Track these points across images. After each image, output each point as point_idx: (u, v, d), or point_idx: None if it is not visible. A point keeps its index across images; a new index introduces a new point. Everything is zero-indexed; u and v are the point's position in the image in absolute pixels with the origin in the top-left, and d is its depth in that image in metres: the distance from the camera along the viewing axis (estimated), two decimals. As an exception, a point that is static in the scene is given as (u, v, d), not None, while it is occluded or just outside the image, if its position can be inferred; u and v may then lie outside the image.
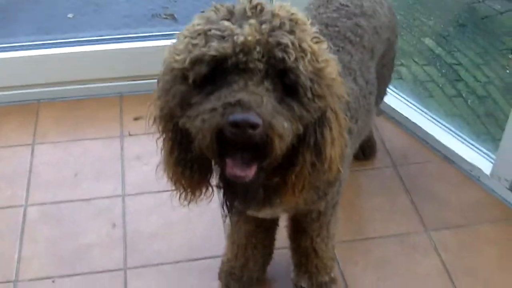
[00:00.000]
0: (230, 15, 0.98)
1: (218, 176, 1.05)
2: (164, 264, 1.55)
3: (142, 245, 1.60)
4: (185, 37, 0.99)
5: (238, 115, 0.90)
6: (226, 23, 0.96)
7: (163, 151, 1.07)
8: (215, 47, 0.94)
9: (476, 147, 1.84)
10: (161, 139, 1.06)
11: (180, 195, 1.10)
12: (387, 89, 1.70)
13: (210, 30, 0.96)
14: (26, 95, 2.04)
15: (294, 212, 1.38)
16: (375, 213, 1.70)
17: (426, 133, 1.89)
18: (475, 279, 1.52)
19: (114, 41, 2.11)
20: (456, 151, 1.83)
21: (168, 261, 1.56)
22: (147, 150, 1.84)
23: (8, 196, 1.73)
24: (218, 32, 0.95)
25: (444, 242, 1.62)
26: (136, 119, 1.97)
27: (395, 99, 2.00)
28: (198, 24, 0.99)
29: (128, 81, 2.07)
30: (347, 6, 1.45)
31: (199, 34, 0.97)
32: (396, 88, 2.03)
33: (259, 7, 0.99)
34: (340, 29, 1.39)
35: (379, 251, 1.59)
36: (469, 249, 1.60)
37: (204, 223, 1.65)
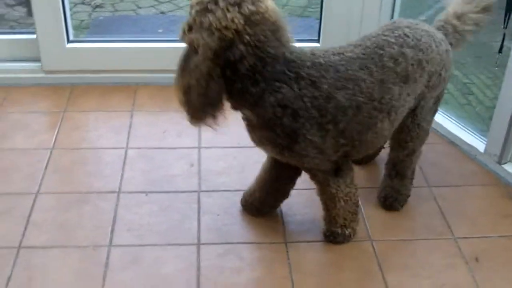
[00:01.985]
0: None
1: None
2: (226, 191, 2.08)
3: (211, 178, 2.13)
4: None
5: None
6: None
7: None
8: None
9: (475, 133, 2.33)
10: None
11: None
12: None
13: None
14: (128, 78, 2.64)
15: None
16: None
17: (438, 123, 2.40)
18: (464, 218, 2.01)
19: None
20: (460, 136, 2.33)
21: (229, 189, 2.08)
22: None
23: (114, 141, 2.30)
24: None
25: (442, 195, 2.10)
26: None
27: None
28: None
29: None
30: (407, 36, 1.73)
31: None
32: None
33: None
34: (384, 53, 1.68)
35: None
36: (462, 200, 2.09)
37: (251, 172, 2.17)
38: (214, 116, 1.61)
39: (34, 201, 2.01)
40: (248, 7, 1.50)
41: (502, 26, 2.10)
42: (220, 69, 1.52)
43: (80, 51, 2.61)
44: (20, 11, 3.28)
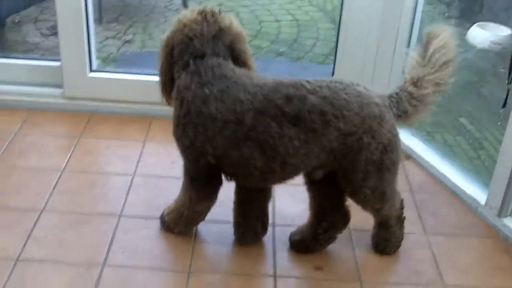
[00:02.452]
0: None
1: None
2: (223, 222, 2.13)
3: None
4: None
5: None
6: None
7: None
8: None
9: (478, 186, 2.34)
10: None
11: None
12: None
13: None
14: (144, 110, 2.73)
15: None
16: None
17: (442, 174, 2.42)
18: (456, 267, 2.00)
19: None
20: (463, 188, 2.34)
21: (226, 220, 2.13)
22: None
23: (122, 168, 2.38)
24: None
25: (438, 243, 2.11)
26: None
27: (425, 151, 2.55)
28: None
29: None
30: (328, 89, 1.74)
31: None
32: (426, 145, 2.58)
33: None
34: (282, 91, 1.73)
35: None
36: (457, 250, 2.09)
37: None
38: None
39: (38, 217, 2.09)
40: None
41: (507, 82, 2.13)
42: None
43: (101, 81, 2.72)
44: (54, 41, 3.43)
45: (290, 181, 1.90)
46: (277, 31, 3.80)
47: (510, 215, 2.18)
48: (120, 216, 2.12)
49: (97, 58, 3.20)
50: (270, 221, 2.13)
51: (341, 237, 2.06)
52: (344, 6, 2.55)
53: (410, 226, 2.18)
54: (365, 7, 2.51)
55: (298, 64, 3.49)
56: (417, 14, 2.53)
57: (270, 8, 4.10)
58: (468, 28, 3.44)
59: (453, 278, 1.96)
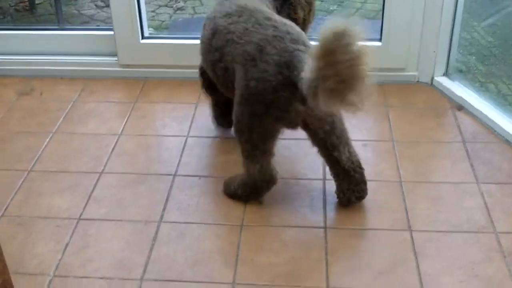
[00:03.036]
0: None
1: None
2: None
3: (262, 166, 2.24)
4: None
5: None
6: None
7: None
8: None
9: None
10: None
11: None
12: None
13: None
14: (196, 73, 2.78)
15: None
16: (440, 169, 2.23)
17: (494, 122, 2.39)
18: (509, 214, 2.00)
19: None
20: (516, 135, 2.32)
21: (279, 177, 2.18)
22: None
23: (176, 130, 2.45)
24: None
25: (489, 191, 2.09)
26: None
27: (477, 101, 2.51)
28: None
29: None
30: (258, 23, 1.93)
31: None
32: (479, 95, 2.55)
33: None
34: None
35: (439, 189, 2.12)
36: (509, 197, 2.07)
37: (306, 161, 2.27)
38: None
39: (98, 179, 2.19)
40: None
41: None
42: None
43: (153, 47, 2.79)
44: (108, 12, 3.52)
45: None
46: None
47: None
48: (174, 175, 2.20)
49: (150, 26, 3.28)
50: (320, 175, 2.18)
51: (391, 187, 2.09)
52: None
53: (462, 175, 2.18)
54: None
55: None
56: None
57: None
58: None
59: (505, 225, 1.95)
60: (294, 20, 2.11)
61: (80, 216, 2.03)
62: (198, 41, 2.79)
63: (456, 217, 1.99)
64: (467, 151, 2.29)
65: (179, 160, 2.28)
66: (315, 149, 2.02)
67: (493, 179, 2.15)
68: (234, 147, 2.32)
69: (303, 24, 2.21)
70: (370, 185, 2.11)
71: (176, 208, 2.05)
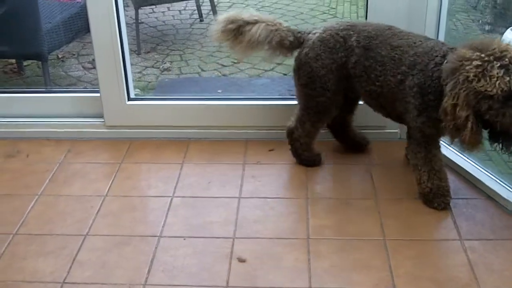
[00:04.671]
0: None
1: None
2: (260, 238, 2.18)
3: (246, 226, 2.25)
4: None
5: None
6: None
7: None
8: None
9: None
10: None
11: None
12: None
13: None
14: (181, 133, 2.83)
15: None
16: (424, 226, 2.25)
17: (476, 179, 2.42)
18: (492, 271, 2.01)
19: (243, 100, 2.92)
20: (497, 191, 2.34)
21: (263, 237, 2.19)
22: (261, 173, 2.55)
23: (161, 190, 2.47)
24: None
25: (472, 247, 2.11)
26: (270, 150, 2.71)
27: (459, 158, 2.55)
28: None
29: (252, 130, 2.82)
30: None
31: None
32: (461, 152, 2.59)
33: None
34: None
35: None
36: (492, 253, 2.09)
37: (289, 221, 2.28)
38: None
39: (83, 242, 2.19)
40: None
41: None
42: None
43: (139, 108, 2.83)
44: (95, 73, 3.58)
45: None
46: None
47: (546, 216, 2.18)
48: (160, 236, 2.20)
49: (136, 87, 3.34)
50: (305, 235, 2.19)
51: (375, 245, 2.10)
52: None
53: (445, 232, 2.20)
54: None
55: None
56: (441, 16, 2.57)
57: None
58: (502, 33, 3.43)
59: (489, 282, 1.96)
60: None
61: (64, 280, 2.02)
62: (183, 101, 2.85)
63: (440, 275, 2.00)
64: (449, 205, 2.31)
65: (164, 221, 2.28)
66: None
67: (476, 235, 2.17)
68: (218, 205, 2.35)
69: None
70: (355, 244, 2.13)
71: (161, 270, 2.04)
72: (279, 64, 3.72)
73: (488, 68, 1.91)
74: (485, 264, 2.03)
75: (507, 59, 1.92)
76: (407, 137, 2.33)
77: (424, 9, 2.52)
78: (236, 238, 2.19)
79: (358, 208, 2.34)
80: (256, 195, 2.42)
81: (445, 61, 2.06)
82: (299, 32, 2.45)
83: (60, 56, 3.84)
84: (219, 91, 3.41)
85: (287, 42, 2.43)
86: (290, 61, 3.70)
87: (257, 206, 2.36)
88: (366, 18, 2.63)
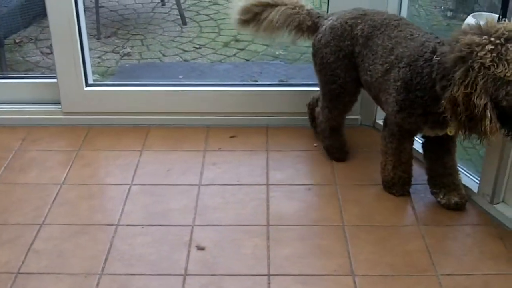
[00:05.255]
0: None
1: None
2: (220, 226, 2.17)
3: (206, 213, 2.23)
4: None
5: None
6: None
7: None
8: None
9: (471, 174, 2.36)
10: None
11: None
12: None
13: None
14: (141, 120, 2.79)
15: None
16: (383, 212, 2.26)
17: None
18: (450, 256, 2.03)
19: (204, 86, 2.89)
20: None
21: (223, 224, 2.17)
22: (222, 160, 2.53)
23: (120, 178, 2.43)
24: None
25: (431, 233, 2.13)
26: (231, 137, 2.69)
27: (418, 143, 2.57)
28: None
29: (214, 116, 2.80)
30: None
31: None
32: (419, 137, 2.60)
33: None
34: None
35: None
36: (450, 239, 2.11)
37: (249, 207, 2.27)
38: None
39: (38, 231, 2.14)
40: None
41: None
42: None
43: (97, 95, 2.78)
44: (53, 59, 3.51)
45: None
46: (273, 34, 3.83)
47: (502, 201, 2.20)
48: (117, 225, 2.17)
49: (95, 72, 3.28)
50: (264, 222, 2.18)
51: (335, 231, 2.10)
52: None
53: (404, 217, 2.21)
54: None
55: (294, 65, 3.53)
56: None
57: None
58: (464, 20, 3.46)
59: (447, 267, 1.98)
60: None
61: (19, 270, 1.97)
62: (143, 87, 2.80)
63: (398, 261, 2.01)
64: (409, 192, 2.33)
65: (122, 209, 2.25)
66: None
67: (434, 220, 2.19)
68: (178, 193, 2.33)
69: None
70: (314, 230, 2.13)
71: (118, 259, 2.02)
72: (241, 49, 3.69)
73: (503, 51, 1.79)
74: (443, 249, 2.05)
75: None
76: (383, 124, 2.30)
77: (386, -5, 2.52)
78: (196, 225, 2.17)
79: (319, 194, 2.34)
80: (217, 182, 2.40)
81: (435, 56, 1.98)
82: (318, 17, 2.42)
83: (17, 41, 3.75)
84: (180, 76, 3.37)
85: (304, 26, 2.42)
86: (253, 47, 3.70)
87: (217, 193, 2.34)
88: (328, 5, 2.63)
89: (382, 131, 2.30)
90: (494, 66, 1.79)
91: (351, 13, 2.35)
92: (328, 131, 2.52)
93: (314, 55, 2.42)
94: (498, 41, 1.80)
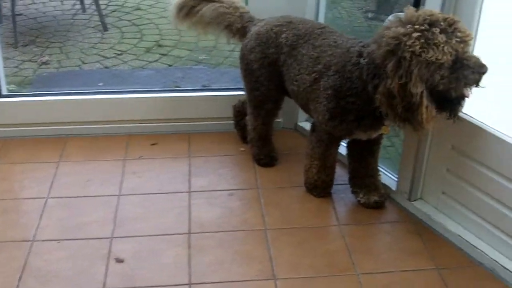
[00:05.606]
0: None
1: None
2: (140, 236, 2.13)
3: (126, 224, 2.18)
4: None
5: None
6: None
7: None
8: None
9: (390, 173, 2.40)
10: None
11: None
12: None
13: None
14: (58, 130, 2.71)
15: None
16: (305, 213, 2.26)
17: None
18: (369, 254, 2.05)
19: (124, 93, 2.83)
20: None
21: (143, 234, 2.13)
22: (143, 169, 2.48)
23: (36, 191, 2.35)
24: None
25: (351, 232, 2.15)
26: (153, 144, 2.65)
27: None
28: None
29: (135, 123, 2.75)
30: None
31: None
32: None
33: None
34: None
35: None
36: (370, 237, 2.14)
37: (171, 216, 2.24)
38: None
39: None
40: None
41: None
42: None
43: (12, 105, 2.68)
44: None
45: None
46: (196, 39, 3.80)
47: (420, 198, 2.24)
48: (32, 241, 2.10)
49: (11, 82, 3.17)
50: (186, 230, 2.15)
51: (257, 235, 2.09)
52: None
53: (325, 218, 2.22)
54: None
55: (217, 70, 3.51)
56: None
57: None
58: (384, 21, 3.51)
59: (366, 266, 2.00)
60: None
61: None
62: (61, 97, 2.72)
63: (320, 262, 2.01)
64: (330, 193, 2.34)
65: (38, 224, 2.17)
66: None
67: (354, 220, 2.21)
68: (96, 205, 2.27)
69: None
70: (236, 236, 2.12)
71: (33, 276, 1.94)
72: (164, 55, 3.64)
73: (430, 36, 1.80)
74: (362, 248, 2.07)
75: (442, 23, 1.82)
76: (311, 129, 2.28)
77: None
78: (114, 237, 2.12)
79: (241, 199, 2.33)
80: (137, 192, 2.35)
81: (363, 58, 1.98)
82: (248, 21, 2.40)
83: None
84: (100, 84, 3.29)
85: (234, 28, 2.40)
86: (176, 52, 3.66)
87: (137, 203, 2.29)
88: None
89: (310, 135, 2.29)
90: (424, 52, 1.79)
91: (278, 20, 2.33)
92: (256, 139, 2.51)
93: (240, 60, 2.41)
94: (422, 27, 1.81)
